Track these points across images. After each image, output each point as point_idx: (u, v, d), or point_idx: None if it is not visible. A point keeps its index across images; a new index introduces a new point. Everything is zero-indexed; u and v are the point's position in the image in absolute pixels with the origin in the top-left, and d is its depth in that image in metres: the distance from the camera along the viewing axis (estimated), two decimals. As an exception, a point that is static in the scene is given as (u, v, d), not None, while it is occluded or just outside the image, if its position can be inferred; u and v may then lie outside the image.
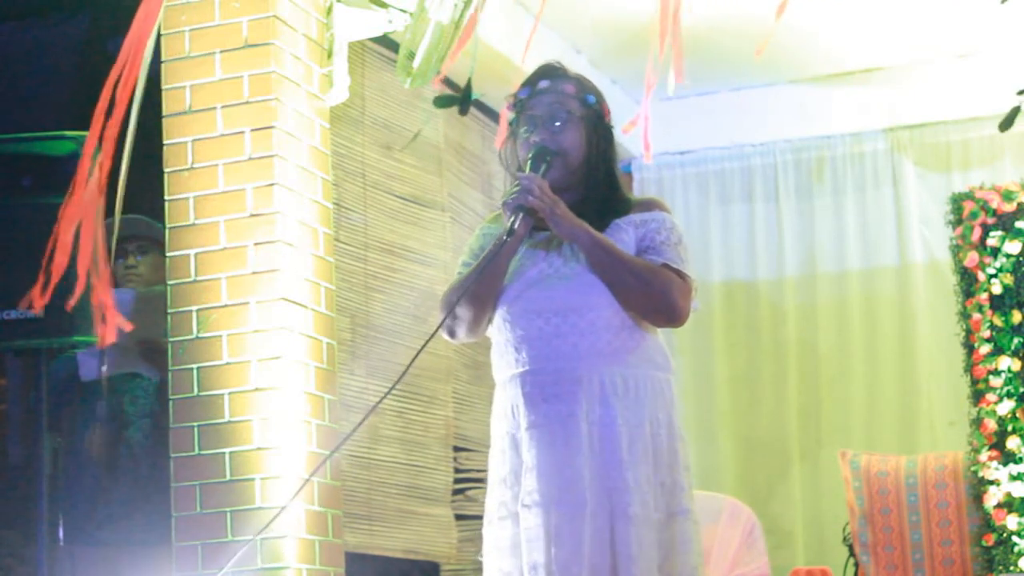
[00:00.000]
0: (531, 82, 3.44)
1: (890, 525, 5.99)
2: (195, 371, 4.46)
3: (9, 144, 4.28)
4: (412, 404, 5.87)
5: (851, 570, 6.10)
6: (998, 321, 5.92)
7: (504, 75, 4.71)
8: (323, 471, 4.46)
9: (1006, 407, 5.86)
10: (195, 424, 4.43)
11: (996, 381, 5.89)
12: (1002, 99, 4.91)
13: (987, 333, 5.93)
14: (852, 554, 6.09)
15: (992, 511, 5.79)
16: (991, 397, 5.88)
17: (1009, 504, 5.77)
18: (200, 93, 4.59)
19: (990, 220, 6.02)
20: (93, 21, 6.27)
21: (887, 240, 7.18)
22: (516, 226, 3.24)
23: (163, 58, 4.62)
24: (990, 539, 5.79)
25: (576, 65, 4.82)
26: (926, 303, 7.02)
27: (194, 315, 4.49)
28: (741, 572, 5.49)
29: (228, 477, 4.38)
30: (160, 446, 4.55)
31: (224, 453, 4.39)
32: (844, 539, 6.16)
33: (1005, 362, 5.88)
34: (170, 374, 4.49)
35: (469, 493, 6.12)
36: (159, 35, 4.53)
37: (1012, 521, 5.75)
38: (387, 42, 5.65)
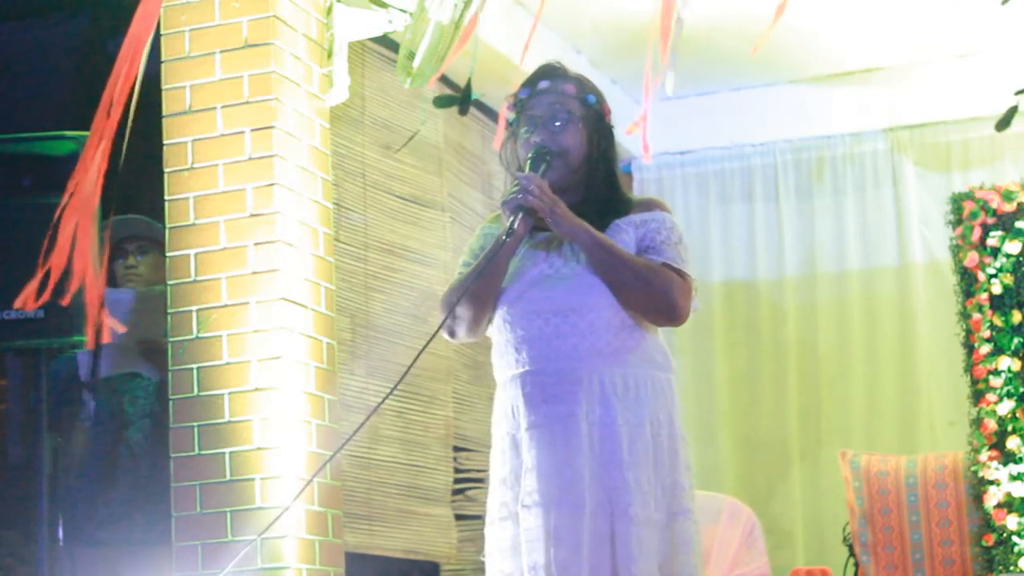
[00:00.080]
0: (531, 82, 3.43)
1: (890, 525, 5.98)
2: (195, 371, 4.46)
3: (9, 144, 4.29)
4: (412, 404, 5.87)
5: (851, 570, 6.10)
6: (998, 321, 5.92)
7: (504, 75, 4.70)
8: (323, 471, 4.46)
9: (1006, 407, 5.85)
10: (195, 424, 4.43)
11: (996, 381, 5.89)
12: (1002, 99, 4.90)
13: (987, 333, 5.92)
14: (852, 554, 6.09)
15: (992, 511, 5.78)
16: (991, 397, 5.88)
17: (1009, 504, 5.77)
18: (200, 93, 4.58)
19: (990, 220, 6.01)
20: (93, 21, 6.28)
21: (887, 240, 7.18)
22: (516, 226, 3.24)
23: (163, 58, 4.61)
24: (990, 539, 5.79)
25: (576, 65, 4.81)
26: (926, 303, 7.01)
27: (194, 315, 4.49)
28: (741, 572, 5.48)
29: (228, 477, 4.38)
30: (160, 446, 4.55)
31: (224, 453, 4.39)
32: (844, 539, 6.15)
33: (1005, 362, 5.88)
34: (170, 374, 4.49)
35: (469, 493, 6.11)
36: (159, 35, 4.53)
37: (1012, 521, 5.74)
38: (387, 42, 5.65)
